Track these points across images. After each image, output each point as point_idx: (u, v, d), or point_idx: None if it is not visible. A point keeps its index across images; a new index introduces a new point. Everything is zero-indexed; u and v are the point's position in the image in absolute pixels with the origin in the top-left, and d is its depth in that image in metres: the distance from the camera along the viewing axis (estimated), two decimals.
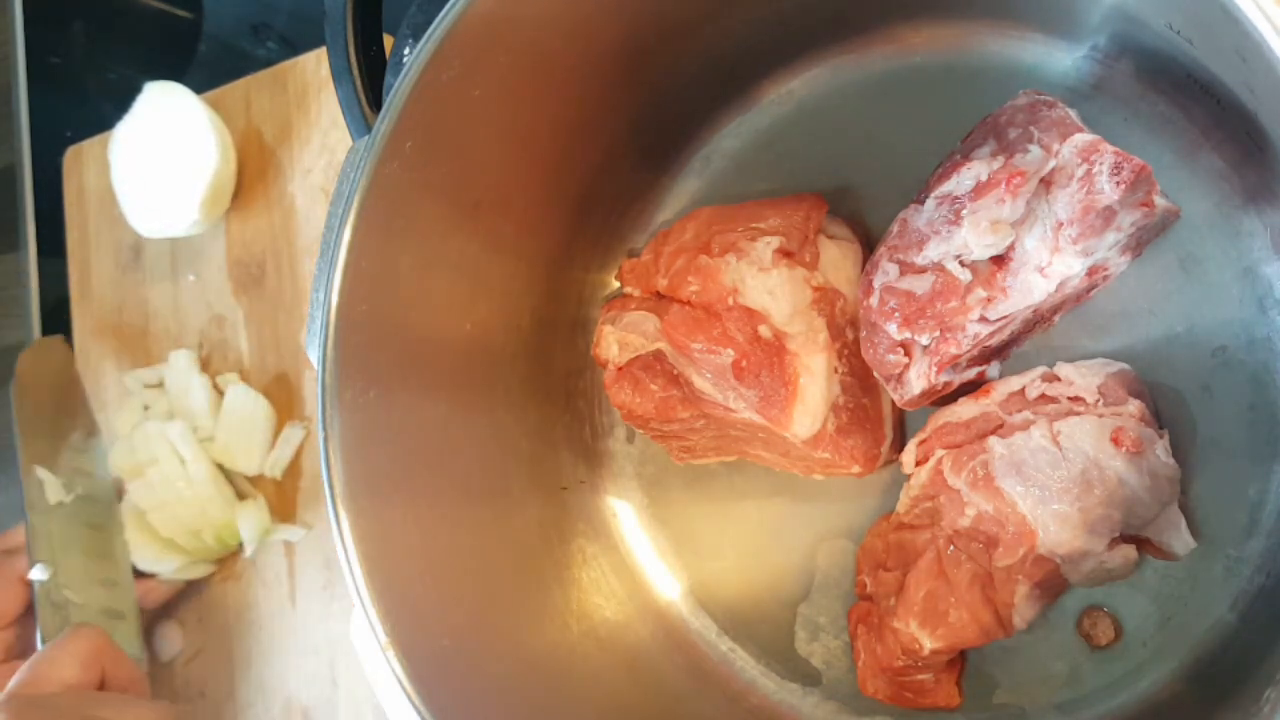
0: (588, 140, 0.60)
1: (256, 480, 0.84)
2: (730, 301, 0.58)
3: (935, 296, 0.51)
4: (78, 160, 0.96)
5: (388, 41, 0.62)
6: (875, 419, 0.59)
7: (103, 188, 0.92)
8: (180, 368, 0.87)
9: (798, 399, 0.57)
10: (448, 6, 0.48)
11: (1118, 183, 0.47)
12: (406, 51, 0.62)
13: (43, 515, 0.79)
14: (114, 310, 0.93)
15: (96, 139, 0.94)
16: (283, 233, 0.85)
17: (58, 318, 0.96)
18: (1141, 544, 0.52)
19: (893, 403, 0.58)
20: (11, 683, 0.65)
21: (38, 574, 0.77)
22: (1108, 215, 0.49)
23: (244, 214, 0.87)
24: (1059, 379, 0.53)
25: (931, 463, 0.55)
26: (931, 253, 0.51)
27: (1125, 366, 0.53)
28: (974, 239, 0.49)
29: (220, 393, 0.86)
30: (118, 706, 0.64)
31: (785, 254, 0.59)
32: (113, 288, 0.93)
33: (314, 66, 0.84)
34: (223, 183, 0.84)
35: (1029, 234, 0.50)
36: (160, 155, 0.84)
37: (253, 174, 0.86)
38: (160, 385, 0.89)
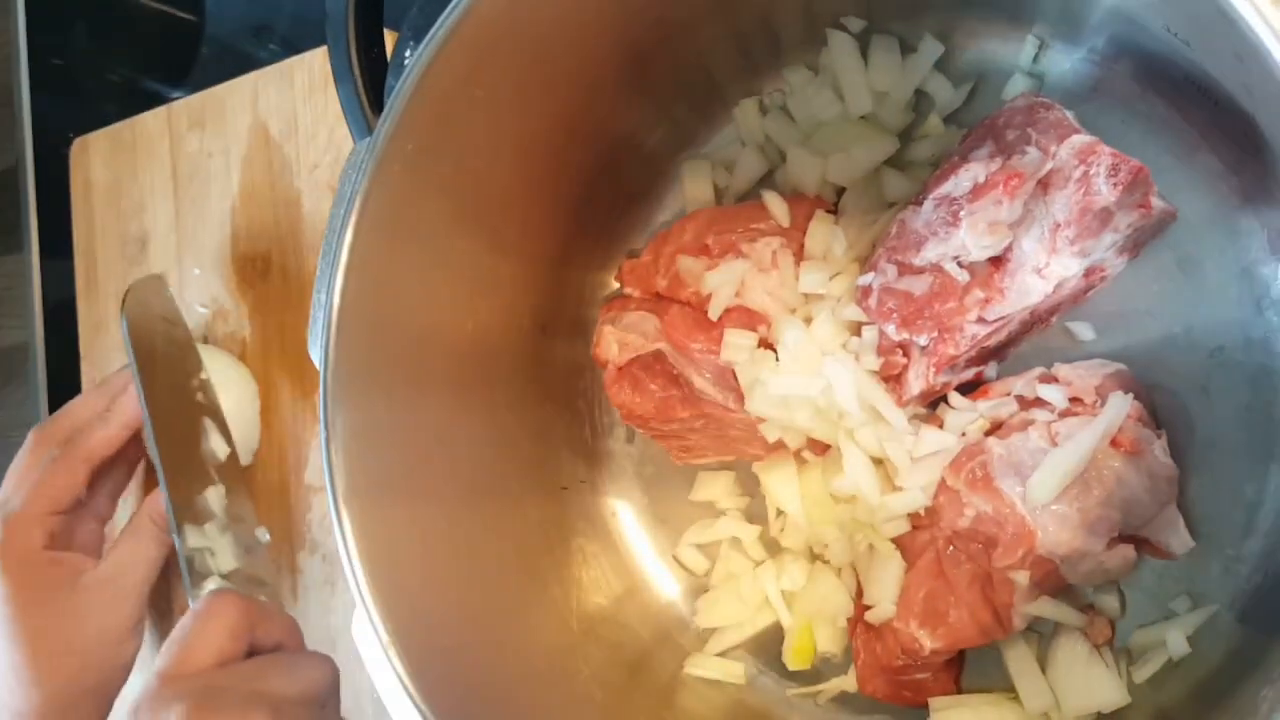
0: (588, 141, 0.61)
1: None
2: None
3: (933, 297, 0.52)
4: (84, 152, 0.96)
5: (390, 39, 0.62)
6: None
7: (109, 179, 0.92)
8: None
9: None
10: (449, 8, 0.49)
11: (1115, 184, 0.47)
12: (408, 54, 0.63)
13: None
14: (119, 302, 0.93)
15: (103, 131, 0.94)
16: (288, 228, 0.85)
17: (60, 318, 0.96)
18: (1140, 544, 0.52)
19: None
20: (161, 662, 0.57)
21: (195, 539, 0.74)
22: (1105, 216, 0.49)
23: (249, 208, 0.87)
24: (1057, 380, 0.53)
25: None
26: (930, 254, 0.51)
27: (1122, 367, 0.53)
28: (972, 240, 0.50)
29: None
30: (285, 671, 0.57)
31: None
32: (118, 280, 0.93)
33: (321, 62, 0.84)
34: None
35: (1026, 235, 0.50)
36: None
37: (259, 168, 0.86)
38: None
